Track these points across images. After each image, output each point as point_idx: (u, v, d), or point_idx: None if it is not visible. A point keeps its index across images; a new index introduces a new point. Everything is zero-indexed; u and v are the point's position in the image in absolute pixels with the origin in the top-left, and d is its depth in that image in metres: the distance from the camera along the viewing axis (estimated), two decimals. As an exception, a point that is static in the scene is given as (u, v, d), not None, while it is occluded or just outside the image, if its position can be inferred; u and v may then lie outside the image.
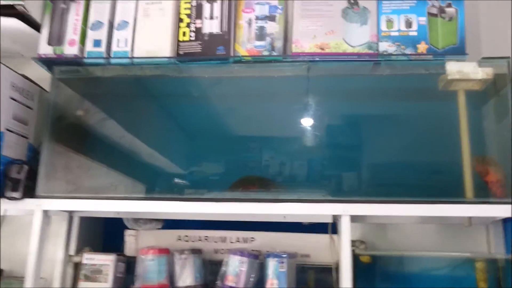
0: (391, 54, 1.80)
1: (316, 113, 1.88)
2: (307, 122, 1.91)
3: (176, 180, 1.91)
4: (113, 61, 1.89)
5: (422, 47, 1.80)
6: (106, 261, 1.93)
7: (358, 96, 1.91)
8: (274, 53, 1.83)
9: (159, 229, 2.06)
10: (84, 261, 1.94)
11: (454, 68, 1.77)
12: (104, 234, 2.27)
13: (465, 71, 1.76)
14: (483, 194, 1.76)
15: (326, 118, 1.90)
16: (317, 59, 1.81)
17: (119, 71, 1.93)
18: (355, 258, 1.78)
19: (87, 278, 1.91)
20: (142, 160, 1.95)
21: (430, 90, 1.86)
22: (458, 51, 1.79)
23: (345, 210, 1.68)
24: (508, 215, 1.63)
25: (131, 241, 2.05)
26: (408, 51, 1.80)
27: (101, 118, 1.98)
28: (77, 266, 2.01)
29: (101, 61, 1.90)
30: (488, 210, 1.66)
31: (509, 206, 1.62)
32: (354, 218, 1.69)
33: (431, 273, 1.78)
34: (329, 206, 1.71)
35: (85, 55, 1.91)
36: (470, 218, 1.76)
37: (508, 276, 1.71)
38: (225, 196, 1.78)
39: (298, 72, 1.84)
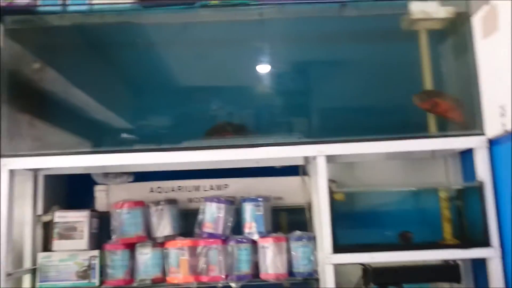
0: (357, -5, 1.82)
1: (286, 57, 1.89)
2: (276, 66, 1.91)
3: (124, 135, 1.86)
4: (70, 8, 1.78)
5: (387, -13, 1.83)
6: (79, 217, 1.89)
7: (327, 39, 1.92)
8: (242, -4, 1.80)
9: (130, 182, 2.03)
10: (56, 220, 1.89)
11: (418, 8, 1.82)
12: (68, 191, 2.20)
13: (428, 10, 1.82)
14: (445, 128, 1.87)
15: (296, 62, 1.91)
16: (286, 1, 1.79)
17: (77, 19, 1.81)
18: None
19: (62, 236, 1.87)
20: (111, 112, 1.88)
21: (394, 31, 1.91)
22: (421, -9, 1.84)
23: (320, 151, 1.72)
24: (469, 146, 1.74)
25: (102, 196, 2.01)
26: (374, -9, 1.83)
27: (60, 70, 1.87)
28: (46, 225, 1.95)
29: (57, 8, 1.78)
30: (451, 142, 1.77)
31: (469, 138, 1.73)
32: (327, 158, 1.75)
33: (400, 206, 1.89)
34: (304, 148, 1.75)
35: (39, 2, 1.78)
36: (433, 151, 1.88)
37: (468, 203, 1.84)
38: (200, 144, 1.76)
39: (268, 15, 1.82)
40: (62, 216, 1.89)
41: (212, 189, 2.03)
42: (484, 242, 1.66)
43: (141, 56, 1.95)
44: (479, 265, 1.72)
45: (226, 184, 2.03)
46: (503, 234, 1.66)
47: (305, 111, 1.94)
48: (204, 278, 1.81)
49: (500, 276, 1.61)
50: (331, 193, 1.73)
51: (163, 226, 1.88)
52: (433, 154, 1.88)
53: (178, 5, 1.78)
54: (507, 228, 1.64)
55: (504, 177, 1.66)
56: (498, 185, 1.70)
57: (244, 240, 1.84)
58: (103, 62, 1.92)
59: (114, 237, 1.86)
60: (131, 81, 1.96)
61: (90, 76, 1.91)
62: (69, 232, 1.87)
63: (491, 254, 1.64)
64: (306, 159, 1.88)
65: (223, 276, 1.81)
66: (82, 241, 1.87)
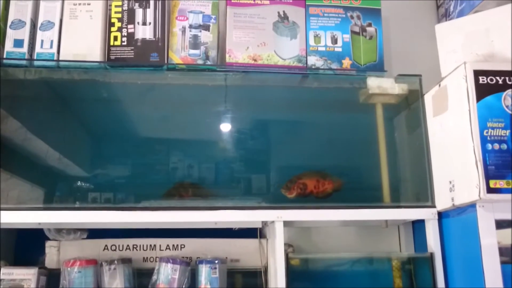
0: (318, 68, 1.91)
1: (248, 122, 1.94)
2: (238, 131, 1.96)
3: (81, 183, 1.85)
4: (36, 63, 1.79)
5: (346, 62, 1.94)
6: (27, 275, 1.81)
7: (289, 106, 2.00)
8: (209, 62, 1.86)
9: (83, 238, 1.98)
10: (2, 276, 1.80)
11: (374, 83, 1.93)
12: (17, 246, 2.12)
13: (384, 86, 1.93)
14: (398, 199, 1.95)
15: (257, 128, 1.96)
16: (251, 70, 1.87)
17: (43, 73, 1.82)
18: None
19: (6, 295, 1.79)
20: (71, 168, 1.86)
21: (352, 102, 2.01)
22: (378, 68, 1.96)
23: (279, 216, 1.75)
24: (420, 217, 1.81)
25: (53, 253, 1.95)
26: (334, 65, 1.93)
27: (23, 123, 1.85)
28: (-10, 282, 1.86)
29: (23, 62, 1.78)
30: (403, 213, 1.84)
31: (420, 209, 1.81)
32: (284, 223, 1.77)
33: (354, 272, 1.92)
34: (263, 213, 1.77)
35: (4, 55, 1.78)
36: (386, 220, 1.94)
37: (418, 272, 1.89)
38: (160, 205, 1.76)
39: (233, 82, 1.89)
40: (7, 273, 1.80)
41: (168, 248, 2.00)
42: (434, 313, 1.70)
43: (104, 113, 1.96)
44: (429, 335, 1.74)
45: (183, 244, 2.01)
46: (451, 305, 1.71)
47: (265, 175, 1.98)
48: None
49: None
50: (287, 258, 1.74)
51: (115, 286, 1.83)
52: (386, 223, 1.94)
53: (145, 67, 1.82)
54: (455, 300, 1.69)
55: (453, 248, 1.73)
56: (447, 255, 1.76)
57: (198, 304, 1.81)
58: (65, 117, 1.92)
59: (62, 296, 1.79)
60: (95, 139, 1.95)
61: (52, 131, 1.89)
62: (14, 290, 1.79)
63: (440, 325, 1.68)
64: (264, 222, 1.90)
65: None
66: (27, 301, 1.79)
